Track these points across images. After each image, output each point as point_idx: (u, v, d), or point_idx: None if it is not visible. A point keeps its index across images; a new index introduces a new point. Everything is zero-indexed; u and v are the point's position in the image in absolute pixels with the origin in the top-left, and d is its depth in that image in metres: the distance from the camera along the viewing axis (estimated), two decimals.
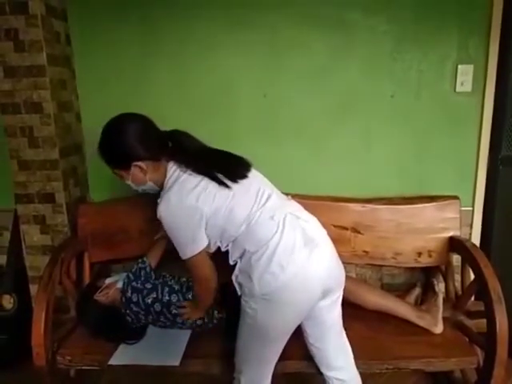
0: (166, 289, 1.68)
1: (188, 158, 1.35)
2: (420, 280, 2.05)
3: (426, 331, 1.68)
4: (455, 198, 1.93)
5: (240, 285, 1.32)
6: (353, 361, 1.48)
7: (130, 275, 1.71)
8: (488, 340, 1.54)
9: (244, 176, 1.35)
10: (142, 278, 1.71)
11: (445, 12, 1.87)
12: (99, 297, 1.69)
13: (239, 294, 1.33)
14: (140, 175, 1.37)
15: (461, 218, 1.92)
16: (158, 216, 1.30)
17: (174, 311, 1.65)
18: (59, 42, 1.88)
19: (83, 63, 1.99)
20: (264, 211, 1.30)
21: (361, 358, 1.52)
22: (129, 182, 1.40)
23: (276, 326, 1.30)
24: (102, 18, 1.94)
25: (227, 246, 1.37)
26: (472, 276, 1.76)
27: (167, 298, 1.66)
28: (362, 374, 1.50)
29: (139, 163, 1.34)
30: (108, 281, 1.75)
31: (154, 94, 2.01)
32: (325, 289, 1.30)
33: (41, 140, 1.84)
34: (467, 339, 1.67)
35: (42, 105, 1.80)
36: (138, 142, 1.33)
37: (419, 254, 1.93)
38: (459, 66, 1.91)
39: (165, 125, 2.08)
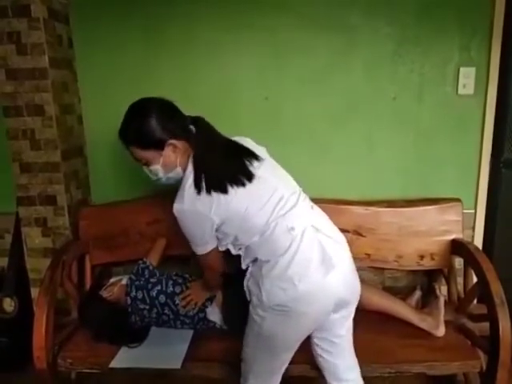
0: (170, 282, 1.74)
1: (204, 153, 1.29)
2: (422, 283, 2.04)
3: (428, 334, 1.67)
4: (457, 200, 1.93)
5: (249, 291, 1.29)
6: (360, 374, 1.45)
7: (133, 276, 1.74)
8: (491, 343, 1.53)
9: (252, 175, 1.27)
10: (147, 276, 1.76)
11: (447, 14, 1.87)
12: (104, 293, 1.70)
13: (248, 299, 1.30)
14: (172, 157, 1.30)
15: (463, 220, 1.91)
16: (173, 211, 1.27)
17: (177, 302, 1.69)
18: (61, 44, 1.88)
19: (85, 66, 2.00)
20: (282, 222, 1.24)
21: (363, 362, 1.50)
22: (157, 167, 1.32)
23: (283, 337, 1.26)
24: (104, 21, 1.94)
25: (239, 250, 1.34)
26: (474, 279, 1.75)
27: (171, 289, 1.71)
28: (364, 378, 1.49)
29: (174, 141, 1.28)
30: (113, 279, 1.78)
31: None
32: (337, 303, 1.25)
33: (43, 142, 1.84)
34: (470, 343, 1.66)
35: (43, 107, 1.80)
36: (171, 118, 1.28)
37: (421, 256, 1.92)
38: (461, 69, 1.91)
39: None
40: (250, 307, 1.29)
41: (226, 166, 1.28)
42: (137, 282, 1.72)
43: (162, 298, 1.69)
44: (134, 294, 1.70)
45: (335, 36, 1.91)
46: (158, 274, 1.78)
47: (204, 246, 1.34)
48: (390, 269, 2.01)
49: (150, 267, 1.79)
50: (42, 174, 1.87)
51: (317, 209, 1.37)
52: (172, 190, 2.05)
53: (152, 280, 1.74)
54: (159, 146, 1.28)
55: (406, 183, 2.05)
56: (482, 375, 1.60)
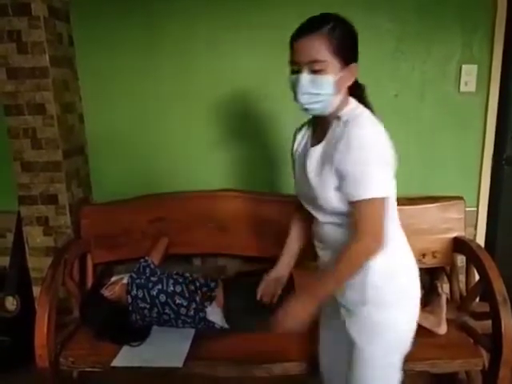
0: (171, 281, 1.74)
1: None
2: (424, 281, 2.02)
3: (430, 333, 1.66)
4: (459, 198, 1.92)
5: (380, 289, 1.11)
6: None
7: (133, 275, 1.74)
8: (493, 341, 1.53)
9: None
10: (148, 274, 1.76)
11: (448, 11, 1.86)
12: (106, 292, 1.70)
13: (364, 303, 1.11)
14: (347, 80, 1.08)
15: (465, 218, 1.90)
16: (359, 135, 1.02)
17: (177, 301, 1.69)
18: (62, 43, 1.88)
19: (86, 64, 2.00)
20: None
21: None
22: (330, 80, 1.05)
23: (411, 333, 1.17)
24: (104, 18, 1.94)
25: None
26: (477, 277, 1.75)
27: (172, 288, 1.71)
28: None
29: (356, 66, 1.08)
30: (114, 278, 1.78)
31: (157, 95, 2.01)
32: None
33: (44, 141, 1.84)
34: (472, 341, 1.66)
35: (44, 106, 1.80)
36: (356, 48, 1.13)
37: (423, 254, 1.91)
38: (463, 66, 1.90)
39: (167, 124, 2.08)
40: (378, 314, 1.12)
41: None
42: (138, 281, 1.72)
43: (163, 298, 1.69)
44: (134, 292, 1.69)
45: None
46: (159, 273, 1.78)
47: (382, 185, 1.02)
48: None
49: (152, 265, 1.79)
50: (43, 173, 1.87)
51: None
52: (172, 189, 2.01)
53: (153, 279, 1.74)
54: (348, 58, 1.05)
55: (407, 181, 2.02)
56: (484, 373, 1.60)
